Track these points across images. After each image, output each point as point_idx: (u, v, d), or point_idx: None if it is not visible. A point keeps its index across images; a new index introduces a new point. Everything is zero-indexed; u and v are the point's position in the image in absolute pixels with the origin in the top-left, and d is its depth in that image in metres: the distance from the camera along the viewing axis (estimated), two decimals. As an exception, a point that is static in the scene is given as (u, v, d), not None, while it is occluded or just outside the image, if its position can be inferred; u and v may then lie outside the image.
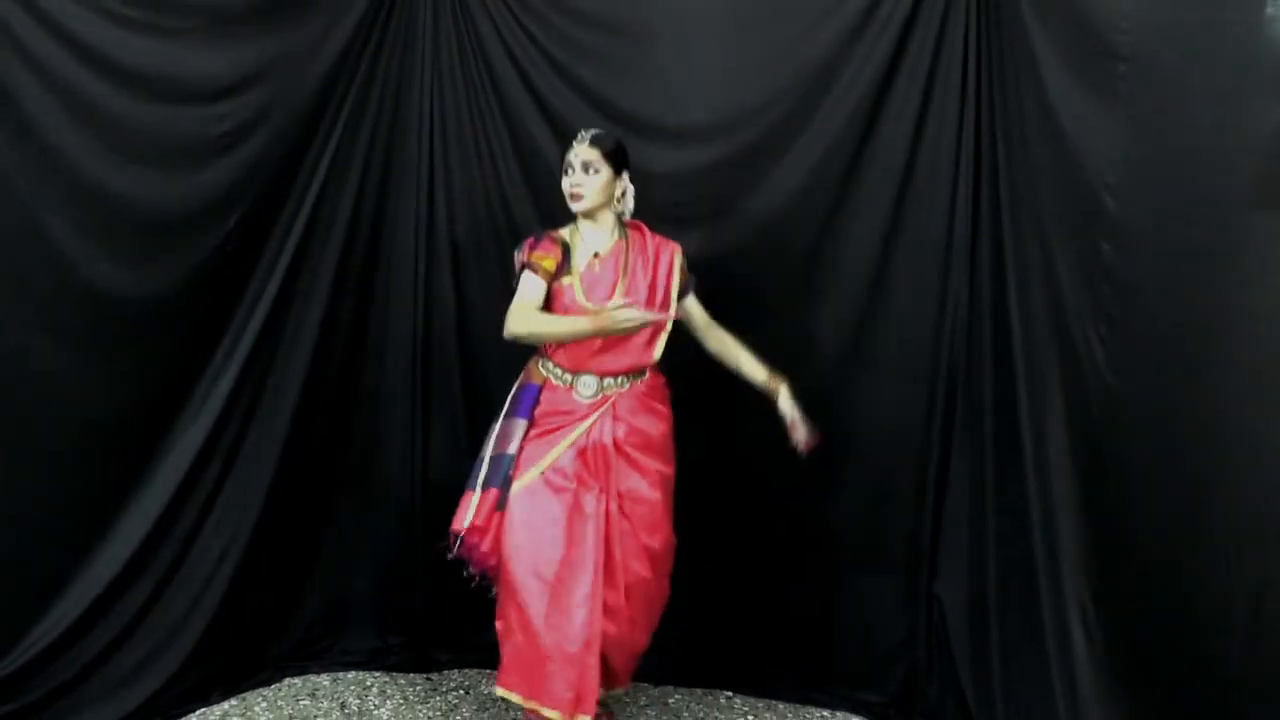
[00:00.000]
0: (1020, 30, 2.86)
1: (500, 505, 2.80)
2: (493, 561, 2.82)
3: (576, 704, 2.73)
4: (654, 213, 3.04)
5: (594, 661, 2.74)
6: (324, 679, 3.46)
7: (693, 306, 2.99)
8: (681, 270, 2.93)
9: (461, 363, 3.47)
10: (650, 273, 2.87)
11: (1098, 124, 2.53)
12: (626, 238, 2.91)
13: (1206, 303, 2.23)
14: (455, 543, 2.82)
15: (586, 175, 2.83)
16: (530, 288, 2.83)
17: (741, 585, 3.37)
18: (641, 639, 2.92)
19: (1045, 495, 2.75)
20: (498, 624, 2.86)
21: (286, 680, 3.43)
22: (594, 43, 3.32)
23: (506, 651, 2.83)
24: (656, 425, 2.90)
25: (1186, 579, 2.28)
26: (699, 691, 3.44)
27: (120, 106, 2.90)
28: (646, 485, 2.86)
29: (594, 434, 2.82)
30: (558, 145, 3.28)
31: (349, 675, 3.49)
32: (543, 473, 2.80)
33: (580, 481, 2.79)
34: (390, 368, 3.52)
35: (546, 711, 2.75)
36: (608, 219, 2.90)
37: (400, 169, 3.45)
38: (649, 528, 2.86)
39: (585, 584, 2.75)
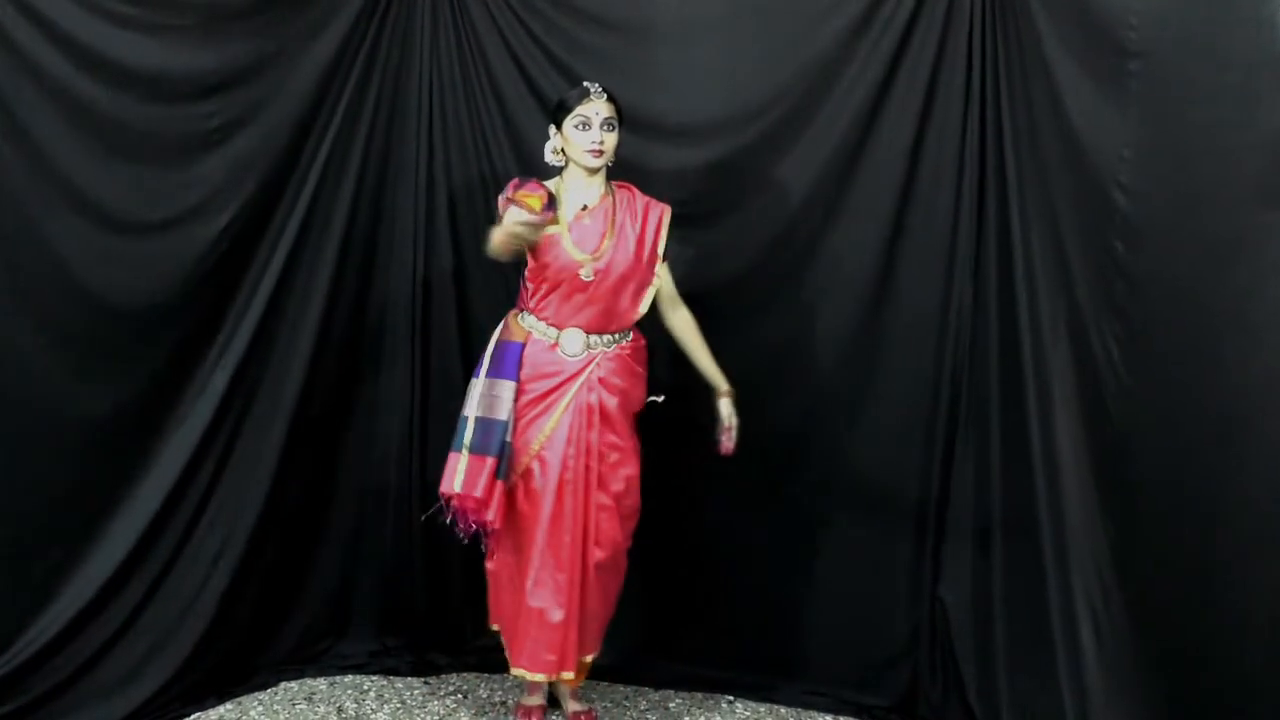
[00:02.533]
0: (1028, 26, 2.84)
1: (500, 474, 2.82)
2: (499, 527, 2.87)
3: (560, 664, 2.88)
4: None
5: (574, 619, 2.87)
6: (321, 683, 3.43)
7: (663, 274, 2.96)
8: (661, 241, 2.93)
9: (463, 365, 3.41)
10: (639, 228, 2.88)
11: (1108, 121, 2.51)
12: (614, 193, 2.91)
13: (1222, 300, 2.22)
14: (445, 505, 2.87)
15: (606, 132, 2.83)
16: (511, 216, 2.81)
17: (741, 588, 3.35)
18: (611, 605, 3.01)
19: (1054, 495, 2.73)
20: (488, 564, 3.00)
21: (283, 684, 3.39)
22: (592, 39, 3.29)
23: (495, 596, 3.03)
24: (636, 388, 2.94)
25: (1204, 580, 2.27)
26: (700, 695, 3.40)
27: (113, 105, 2.88)
28: (621, 446, 2.91)
29: (581, 395, 2.85)
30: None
31: (346, 679, 3.46)
32: (543, 445, 2.86)
33: (566, 445, 2.85)
34: (388, 369, 3.48)
35: (533, 676, 2.93)
36: (601, 174, 2.90)
37: (397, 167, 3.41)
38: (626, 489, 2.93)
39: (566, 549, 2.85)
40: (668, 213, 2.94)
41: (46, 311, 2.86)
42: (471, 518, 2.86)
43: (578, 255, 2.82)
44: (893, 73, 3.12)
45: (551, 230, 2.83)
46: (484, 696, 3.39)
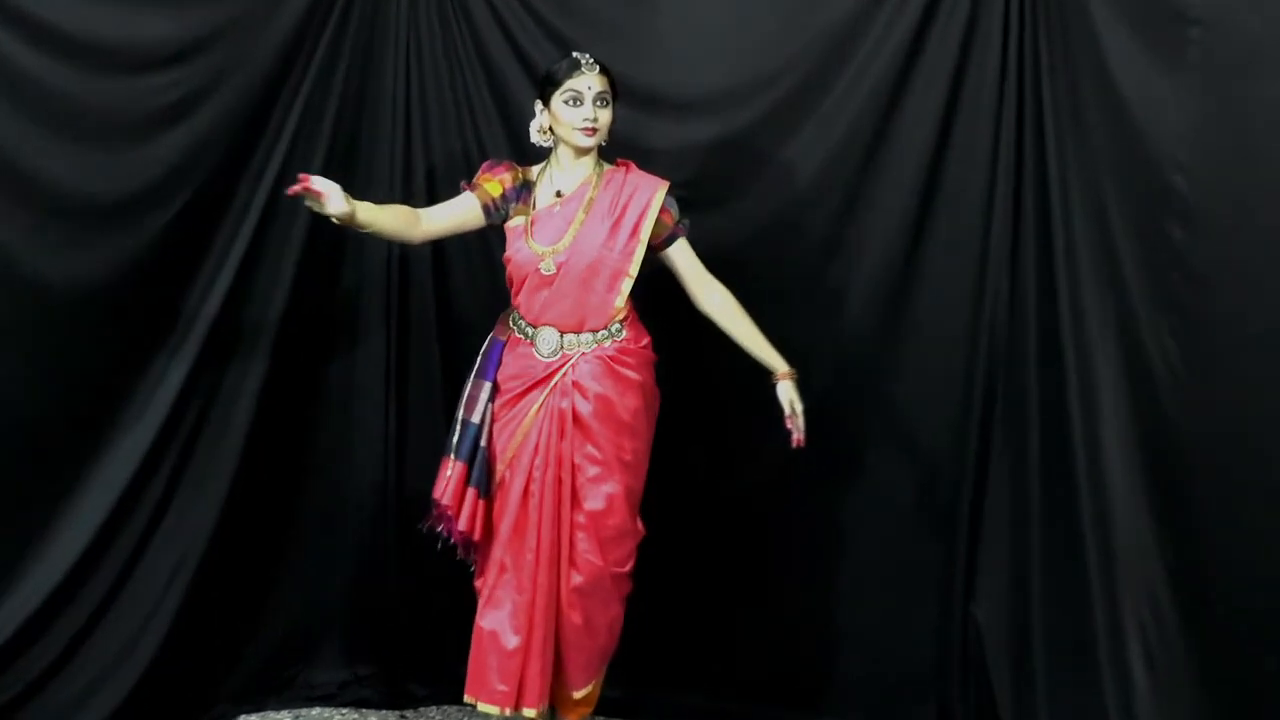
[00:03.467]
0: (1072, -13, 2.76)
1: (472, 480, 2.76)
2: (475, 538, 2.79)
3: (517, 697, 2.74)
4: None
5: (539, 649, 2.73)
6: (284, 716, 3.30)
7: (677, 255, 2.80)
8: (666, 212, 2.76)
9: (442, 358, 3.29)
10: (618, 212, 2.72)
11: (1165, 94, 2.44)
12: (600, 175, 2.77)
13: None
14: (436, 512, 2.83)
15: (599, 108, 2.69)
16: (455, 200, 2.77)
17: (756, 607, 3.24)
18: (577, 621, 2.78)
19: (1099, 506, 2.64)
20: (475, 582, 2.88)
21: (241, 718, 3.27)
22: (590, 6, 3.15)
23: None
24: (623, 395, 2.74)
25: (1269, 600, 2.24)
26: (711, 724, 3.30)
27: (57, 78, 2.78)
28: (601, 459, 2.73)
29: (552, 400, 2.72)
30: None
31: (313, 712, 3.33)
32: (514, 454, 2.75)
33: (534, 454, 2.73)
34: (360, 366, 3.34)
35: (483, 707, 2.78)
36: (592, 154, 2.77)
37: (371, 141, 3.25)
38: (605, 509, 2.74)
39: (529, 568, 2.73)
40: (661, 189, 2.77)
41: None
42: (445, 526, 2.81)
43: (537, 248, 2.71)
44: (919, 39, 2.98)
45: (517, 221, 2.75)
46: (467, 730, 3.27)
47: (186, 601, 3.09)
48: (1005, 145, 2.98)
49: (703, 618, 3.24)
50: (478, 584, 2.85)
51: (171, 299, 3.04)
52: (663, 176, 2.88)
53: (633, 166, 2.80)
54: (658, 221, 2.73)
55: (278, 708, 3.30)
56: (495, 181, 2.74)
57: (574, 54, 2.72)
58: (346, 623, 3.39)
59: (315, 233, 3.17)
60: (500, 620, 2.74)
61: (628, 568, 2.82)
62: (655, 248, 2.75)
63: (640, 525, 2.83)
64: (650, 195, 2.75)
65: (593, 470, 2.74)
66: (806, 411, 2.89)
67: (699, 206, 3.02)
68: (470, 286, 3.29)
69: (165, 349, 3.05)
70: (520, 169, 2.79)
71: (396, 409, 3.33)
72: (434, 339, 3.31)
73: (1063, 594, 2.81)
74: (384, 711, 3.32)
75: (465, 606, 2.92)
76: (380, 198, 3.15)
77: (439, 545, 2.83)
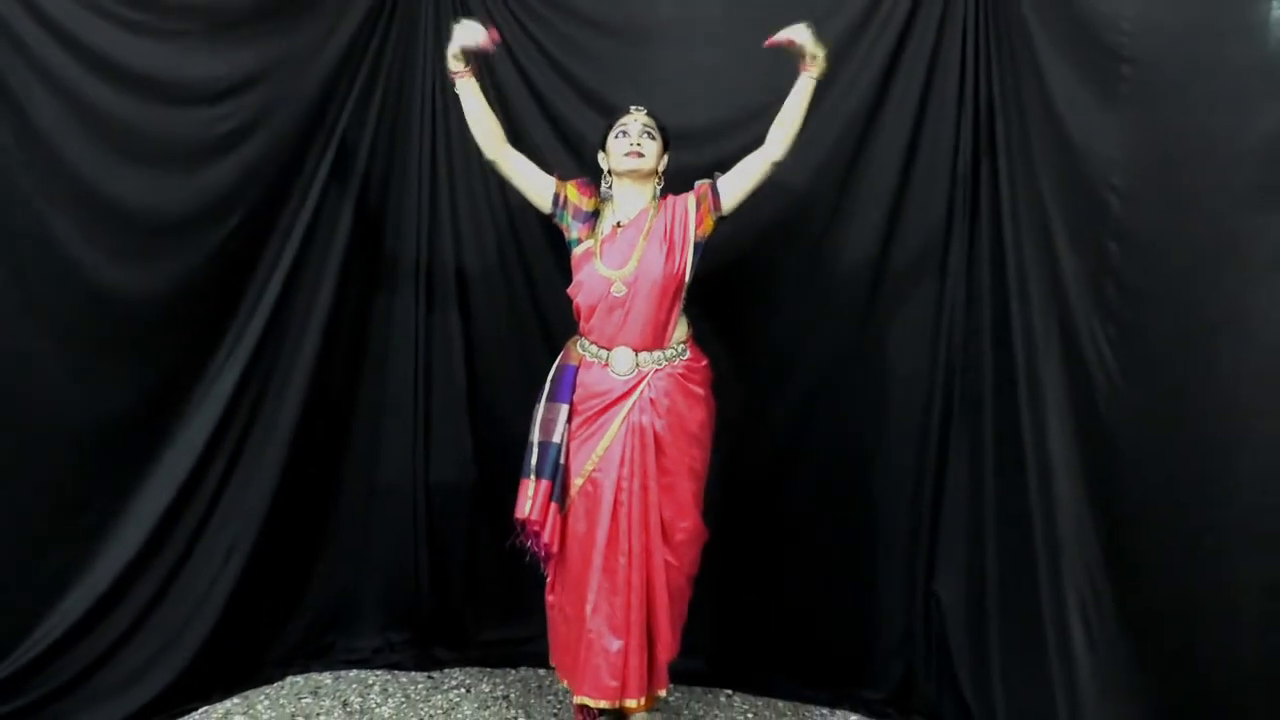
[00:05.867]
0: (1021, 32, 2.81)
1: (554, 496, 2.79)
2: (555, 550, 2.82)
3: (622, 691, 2.75)
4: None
5: (637, 645, 2.75)
6: (326, 677, 3.40)
7: (726, 186, 2.81)
8: (701, 201, 2.79)
9: (466, 362, 3.40)
10: (669, 230, 2.79)
11: (1101, 124, 2.49)
12: (657, 206, 2.85)
13: (1213, 302, 2.20)
14: (520, 530, 2.84)
15: (644, 138, 2.80)
16: (538, 170, 2.85)
17: (741, 584, 3.31)
18: (665, 630, 2.82)
19: (1046, 494, 2.69)
20: (548, 597, 2.91)
21: (289, 679, 3.37)
22: (594, 44, 3.26)
23: (553, 633, 2.92)
24: (693, 409, 2.81)
25: (1193, 580, 2.25)
26: (699, 690, 3.37)
27: (123, 109, 2.86)
28: (673, 469, 2.78)
29: (633, 417, 2.75)
30: (559, 146, 3.23)
31: (351, 674, 3.43)
32: (595, 467, 2.76)
33: (621, 465, 2.74)
34: (393, 369, 3.45)
35: (592, 703, 2.78)
36: (648, 189, 2.84)
37: (402, 172, 3.37)
38: (677, 514, 2.80)
39: (623, 571, 2.74)
40: (693, 195, 2.81)
41: (56, 312, 2.85)
42: (532, 542, 2.84)
43: (606, 272, 2.77)
44: (888, 77, 3.08)
45: (584, 247, 2.81)
46: (486, 691, 3.36)
47: (239, 579, 3.20)
48: (963, 168, 3.05)
49: (698, 593, 3.19)
50: (551, 597, 2.89)
51: (225, 308, 3.13)
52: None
53: (677, 195, 2.86)
54: (698, 209, 2.77)
55: (320, 670, 3.40)
56: (576, 191, 2.83)
57: (627, 105, 2.85)
58: (380, 596, 3.49)
59: (352, 251, 3.29)
60: (602, 625, 2.74)
61: (695, 570, 2.88)
62: (718, 217, 2.78)
63: (706, 529, 2.87)
64: (685, 202, 2.81)
65: (666, 480, 2.77)
66: (787, 405, 3.00)
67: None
68: (489, 300, 3.38)
69: (220, 353, 3.14)
70: (598, 198, 2.85)
71: (424, 410, 3.42)
72: (460, 346, 3.40)
73: (1013, 574, 2.86)
74: (413, 673, 3.41)
75: (483, 582, 3.03)
76: (409, 223, 3.33)
77: (526, 558, 2.87)
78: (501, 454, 3.19)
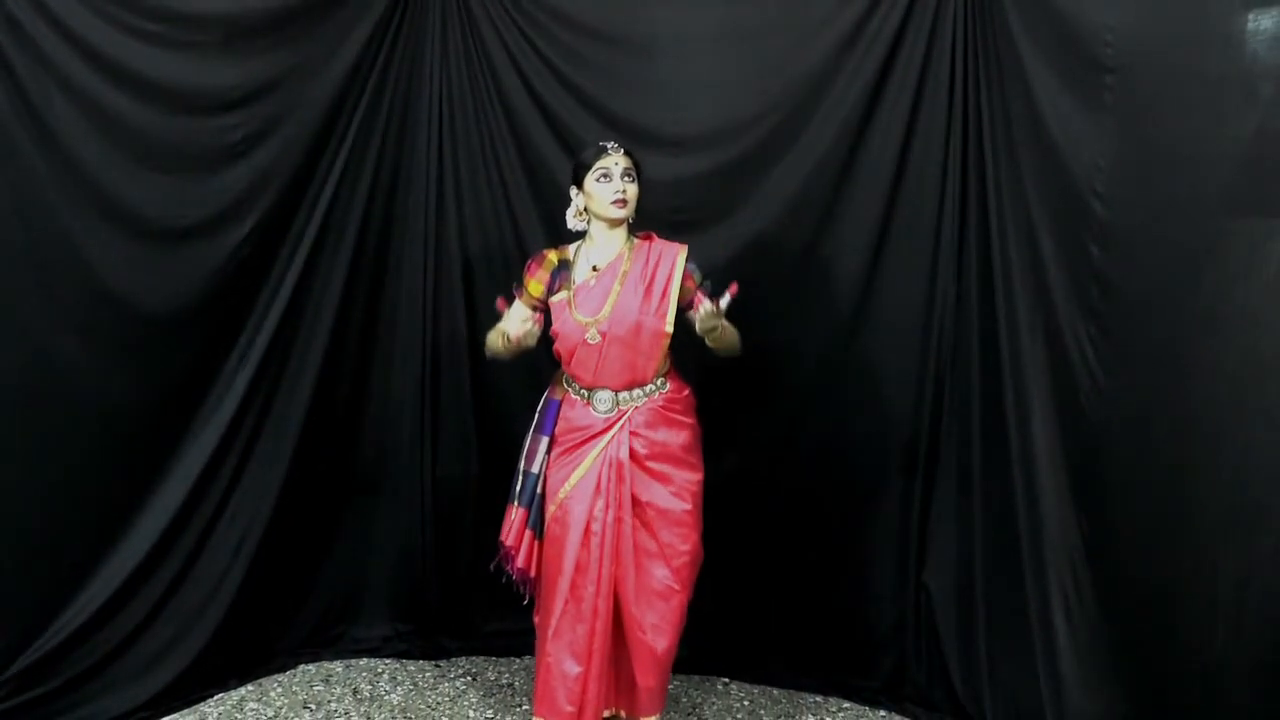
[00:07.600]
0: (1008, 43, 2.83)
1: (530, 524, 2.79)
2: (531, 575, 2.83)
3: (578, 717, 2.70)
4: (652, 219, 2.95)
5: (597, 673, 2.71)
6: (337, 665, 3.43)
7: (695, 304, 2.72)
8: (689, 277, 2.72)
9: (471, 363, 3.42)
10: (649, 275, 2.70)
11: (1085, 132, 2.52)
12: (632, 247, 2.75)
13: (1192, 304, 2.23)
14: (501, 553, 2.86)
15: (627, 182, 2.69)
16: (512, 311, 2.77)
17: (737, 575, 3.30)
18: (661, 648, 2.75)
19: (1030, 489, 2.73)
20: (535, 618, 2.86)
21: (301, 666, 3.40)
22: (596, 55, 3.28)
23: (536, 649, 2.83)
24: (677, 435, 2.75)
25: (1171, 570, 2.28)
26: (696, 678, 3.40)
27: (141, 118, 2.89)
28: (668, 494, 2.72)
29: (610, 450, 2.70)
30: (562, 154, 3.25)
31: (361, 662, 3.46)
32: (568, 495, 2.72)
33: (595, 495, 2.69)
34: (400, 367, 3.47)
35: None
36: (623, 229, 2.75)
37: (409, 178, 3.39)
38: (676, 536, 2.73)
39: (589, 599, 2.69)
40: (682, 254, 2.72)
41: (76, 313, 2.87)
42: (507, 565, 2.85)
43: (580, 319, 2.68)
44: (879, 87, 3.10)
45: (560, 296, 2.73)
46: (492, 679, 3.39)
47: (251, 571, 3.22)
48: (952, 175, 3.06)
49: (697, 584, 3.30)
50: (536, 619, 2.82)
51: (239, 310, 3.15)
52: (658, 202, 2.98)
53: (654, 236, 2.77)
54: (682, 287, 2.69)
55: (330, 658, 3.43)
56: (535, 282, 2.74)
57: (600, 142, 2.72)
58: (387, 588, 3.51)
59: (360, 256, 3.32)
60: (562, 649, 2.69)
61: (690, 592, 2.79)
62: (682, 309, 2.71)
63: (703, 551, 2.79)
64: (673, 260, 2.71)
65: (664, 504, 2.71)
66: (782, 403, 3.01)
67: (695, 228, 3.13)
68: (493, 309, 3.21)
69: (234, 353, 3.16)
70: (556, 252, 2.78)
71: (430, 410, 3.43)
72: (464, 349, 3.41)
73: (1000, 565, 2.90)
74: (420, 661, 3.45)
75: (486, 575, 2.98)
76: (416, 227, 3.37)
77: (503, 579, 2.86)
78: (505, 450, 3.14)
